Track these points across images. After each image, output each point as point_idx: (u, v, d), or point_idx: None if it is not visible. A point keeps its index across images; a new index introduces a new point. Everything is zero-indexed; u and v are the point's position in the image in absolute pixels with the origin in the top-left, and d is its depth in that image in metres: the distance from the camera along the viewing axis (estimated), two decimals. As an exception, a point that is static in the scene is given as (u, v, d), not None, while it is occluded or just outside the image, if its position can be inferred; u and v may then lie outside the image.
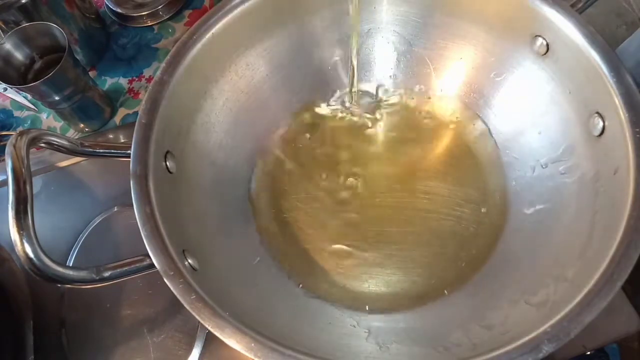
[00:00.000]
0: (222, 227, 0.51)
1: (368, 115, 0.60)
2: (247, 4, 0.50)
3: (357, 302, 0.49)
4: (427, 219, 0.52)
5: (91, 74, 0.69)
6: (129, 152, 0.44)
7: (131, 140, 0.45)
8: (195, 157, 0.51)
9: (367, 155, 0.57)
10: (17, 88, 0.65)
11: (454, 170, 0.55)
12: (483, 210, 0.52)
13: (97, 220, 0.59)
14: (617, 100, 0.42)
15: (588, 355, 0.49)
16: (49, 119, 0.68)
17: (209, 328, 0.37)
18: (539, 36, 0.48)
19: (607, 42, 0.44)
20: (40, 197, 0.61)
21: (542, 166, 0.50)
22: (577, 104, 0.47)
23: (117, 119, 0.67)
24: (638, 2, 0.58)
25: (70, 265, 0.57)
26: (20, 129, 0.68)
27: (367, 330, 0.47)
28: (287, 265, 0.51)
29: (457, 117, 0.57)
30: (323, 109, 0.60)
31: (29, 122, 0.69)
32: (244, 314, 0.39)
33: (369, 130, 0.59)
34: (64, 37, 0.55)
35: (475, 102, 0.56)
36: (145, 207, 0.42)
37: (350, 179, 0.56)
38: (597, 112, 0.44)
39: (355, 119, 0.60)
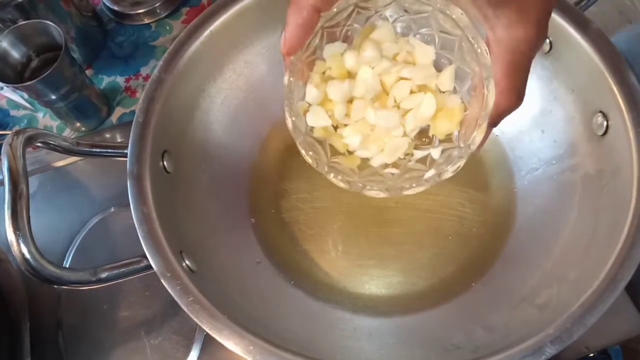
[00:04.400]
0: (220, 228, 0.50)
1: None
2: (245, 2, 0.49)
3: (358, 304, 0.49)
4: (429, 220, 0.52)
5: (88, 72, 0.69)
6: (125, 151, 0.44)
7: (128, 140, 0.45)
8: (193, 157, 0.51)
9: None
10: (13, 87, 0.65)
11: None
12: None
13: (94, 220, 0.59)
14: (621, 100, 0.42)
15: (591, 357, 0.49)
16: (45, 118, 0.68)
17: (207, 330, 0.37)
18: (542, 34, 0.47)
19: (610, 40, 0.44)
20: (37, 197, 0.61)
21: (545, 165, 0.50)
22: (580, 103, 0.47)
23: (114, 118, 0.66)
24: (641, 0, 0.58)
25: (67, 266, 0.56)
26: (16, 128, 0.68)
27: (367, 333, 0.47)
28: (287, 267, 0.51)
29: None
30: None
31: (25, 122, 0.68)
32: (243, 316, 0.39)
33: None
34: (61, 35, 0.54)
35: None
36: (142, 208, 0.42)
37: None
38: (601, 111, 0.44)
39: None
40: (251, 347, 0.37)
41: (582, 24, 0.44)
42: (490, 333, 0.42)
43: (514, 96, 0.30)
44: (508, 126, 0.53)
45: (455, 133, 0.34)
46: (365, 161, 0.35)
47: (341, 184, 0.34)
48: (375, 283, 0.50)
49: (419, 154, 0.36)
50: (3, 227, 0.36)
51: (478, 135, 0.32)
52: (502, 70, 0.29)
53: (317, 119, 0.34)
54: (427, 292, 0.49)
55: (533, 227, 0.49)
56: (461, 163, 0.33)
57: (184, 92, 0.49)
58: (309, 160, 0.34)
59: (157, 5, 0.71)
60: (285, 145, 0.57)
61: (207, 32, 0.49)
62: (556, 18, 0.45)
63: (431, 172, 0.34)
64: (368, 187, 0.35)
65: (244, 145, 0.56)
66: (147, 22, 0.72)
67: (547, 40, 0.47)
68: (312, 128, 0.35)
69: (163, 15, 0.72)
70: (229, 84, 0.53)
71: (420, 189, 0.34)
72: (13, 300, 0.52)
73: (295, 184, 0.55)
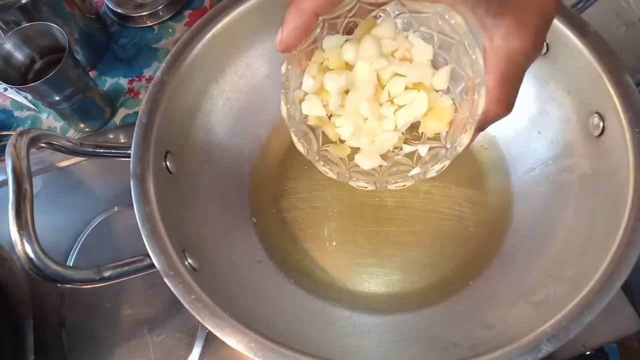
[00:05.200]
0: (222, 227, 0.51)
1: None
2: (247, 4, 0.50)
3: (357, 302, 0.49)
4: (427, 219, 0.52)
5: (91, 74, 0.69)
6: (129, 152, 0.45)
7: (131, 141, 0.45)
8: (196, 157, 0.51)
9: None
10: (17, 88, 0.65)
11: (454, 171, 0.54)
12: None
13: (97, 220, 0.59)
14: (617, 101, 0.42)
15: (588, 355, 0.49)
16: (49, 119, 0.68)
17: (209, 328, 0.38)
18: (539, 36, 0.48)
19: (607, 42, 0.44)
20: (41, 197, 0.61)
21: (541, 166, 0.50)
22: (577, 104, 0.47)
23: (117, 119, 0.67)
24: (637, 3, 0.58)
25: (71, 265, 0.57)
26: (20, 129, 0.68)
27: (366, 330, 0.47)
28: (287, 265, 0.52)
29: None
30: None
31: (29, 122, 0.69)
32: (244, 314, 0.39)
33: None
34: (64, 37, 0.55)
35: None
36: (145, 207, 0.42)
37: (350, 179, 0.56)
38: (597, 112, 0.44)
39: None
40: (252, 344, 0.37)
41: (579, 26, 0.44)
42: (488, 331, 0.42)
43: (504, 105, 0.31)
44: (505, 127, 0.54)
45: (444, 133, 0.35)
46: (355, 151, 0.36)
47: (329, 173, 0.35)
48: (374, 281, 0.51)
49: (407, 148, 0.36)
50: (7, 227, 0.36)
51: (465, 138, 0.32)
52: (495, 79, 0.30)
53: (312, 108, 0.34)
54: (425, 291, 0.49)
55: (530, 226, 0.49)
56: (446, 163, 0.34)
57: (186, 94, 0.49)
58: (300, 148, 0.35)
59: (159, 8, 0.71)
60: (286, 147, 0.57)
61: (209, 35, 0.49)
62: (553, 20, 0.45)
63: (416, 170, 0.35)
64: (354, 178, 0.35)
65: (245, 146, 0.56)
66: (150, 24, 0.72)
67: (545, 43, 0.47)
68: (306, 116, 0.35)
69: (166, 18, 0.72)
70: (231, 86, 0.54)
71: (405, 184, 0.35)
72: (17, 299, 0.52)
73: (295, 184, 0.56)
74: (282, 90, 0.34)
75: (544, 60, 0.48)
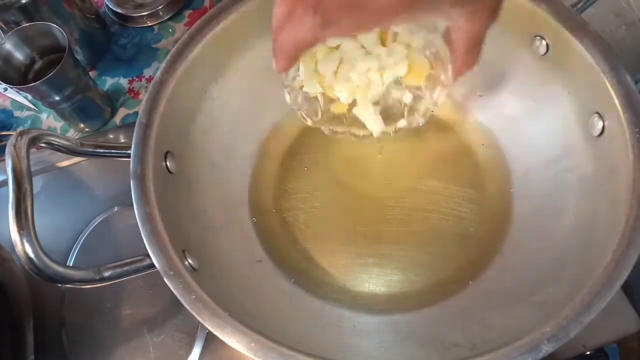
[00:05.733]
0: (222, 227, 0.51)
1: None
2: (247, 4, 0.50)
3: (357, 302, 0.49)
4: (427, 219, 0.52)
5: (91, 74, 0.69)
6: (129, 152, 0.45)
7: (131, 140, 0.45)
8: (196, 157, 0.51)
9: (367, 156, 0.57)
10: (17, 88, 0.65)
11: (454, 170, 0.55)
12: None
13: (97, 220, 0.59)
14: (617, 101, 0.42)
15: (587, 355, 0.49)
16: (49, 119, 0.68)
17: (209, 328, 0.38)
18: (539, 36, 0.48)
19: (607, 42, 0.44)
20: (41, 197, 0.61)
21: (541, 166, 0.50)
22: (576, 104, 0.47)
23: (117, 119, 0.67)
24: (637, 3, 0.58)
25: (71, 265, 0.57)
26: (20, 129, 0.68)
27: (366, 330, 0.47)
28: (287, 265, 0.51)
29: (456, 117, 0.57)
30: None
31: (29, 122, 0.69)
32: (244, 314, 0.39)
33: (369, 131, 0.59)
34: (64, 37, 0.55)
35: (474, 101, 0.56)
36: (145, 207, 0.42)
37: (350, 179, 0.56)
38: (597, 112, 0.44)
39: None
40: (252, 344, 0.37)
41: (578, 26, 0.44)
42: (488, 331, 0.42)
43: (471, 66, 0.37)
44: (504, 127, 0.54)
45: (423, 87, 0.43)
46: (353, 105, 0.43)
47: (337, 134, 0.45)
48: (374, 281, 0.50)
49: (395, 93, 0.43)
50: (7, 227, 0.36)
51: (442, 92, 0.42)
52: (461, 53, 0.36)
53: (312, 88, 0.42)
54: (425, 291, 0.49)
55: (530, 226, 0.49)
56: (428, 114, 0.44)
57: (186, 94, 0.49)
58: (309, 122, 0.45)
59: (160, 7, 0.71)
60: (286, 147, 0.57)
61: (209, 35, 0.49)
62: (553, 20, 0.45)
63: (403, 122, 0.44)
64: (355, 132, 0.45)
65: (245, 146, 0.56)
66: (150, 24, 0.72)
67: (544, 42, 0.47)
68: (308, 94, 0.43)
69: (166, 18, 0.72)
70: (231, 86, 0.53)
71: (394, 128, 0.45)
72: (17, 299, 0.52)
73: (296, 184, 0.56)
74: (283, 82, 0.44)
75: (544, 60, 0.48)
